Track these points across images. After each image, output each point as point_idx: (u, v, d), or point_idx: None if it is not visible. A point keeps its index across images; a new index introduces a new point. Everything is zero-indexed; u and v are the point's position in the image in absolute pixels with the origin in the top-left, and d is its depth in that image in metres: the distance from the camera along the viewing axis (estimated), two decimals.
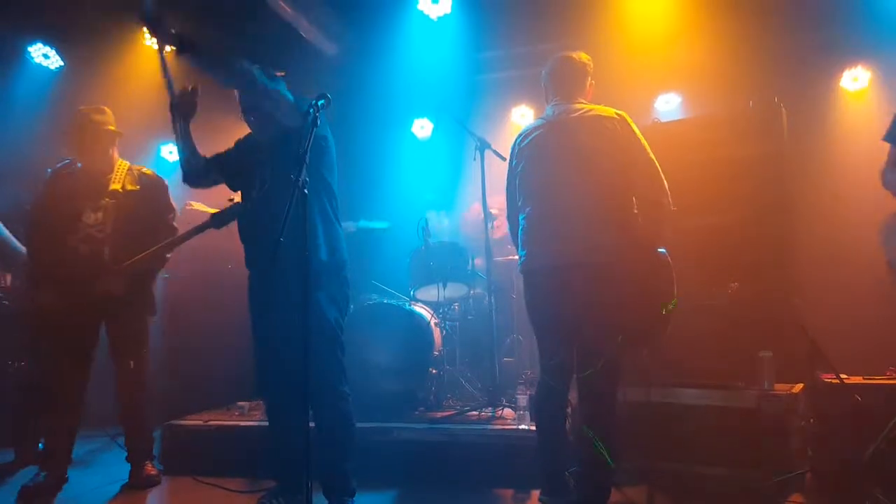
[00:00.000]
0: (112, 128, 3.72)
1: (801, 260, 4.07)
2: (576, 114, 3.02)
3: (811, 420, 3.35)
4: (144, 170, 3.78)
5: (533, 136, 3.09)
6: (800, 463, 3.23)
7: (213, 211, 5.52)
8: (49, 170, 3.70)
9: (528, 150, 3.08)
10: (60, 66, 5.68)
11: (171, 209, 3.80)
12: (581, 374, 2.83)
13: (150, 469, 3.69)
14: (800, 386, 3.43)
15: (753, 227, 3.61)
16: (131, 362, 3.63)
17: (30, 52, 5.56)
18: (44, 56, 5.61)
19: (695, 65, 5.29)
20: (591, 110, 3.00)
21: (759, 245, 3.59)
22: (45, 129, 5.21)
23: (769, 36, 5.10)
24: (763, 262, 3.58)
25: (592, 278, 2.79)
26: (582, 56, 3.20)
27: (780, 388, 3.36)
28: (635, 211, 2.92)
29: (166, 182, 3.83)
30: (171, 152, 6.81)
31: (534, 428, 3.57)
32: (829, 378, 3.31)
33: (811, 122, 4.97)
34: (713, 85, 5.18)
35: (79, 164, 3.68)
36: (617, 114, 2.96)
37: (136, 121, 6.04)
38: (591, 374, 2.76)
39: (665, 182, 2.88)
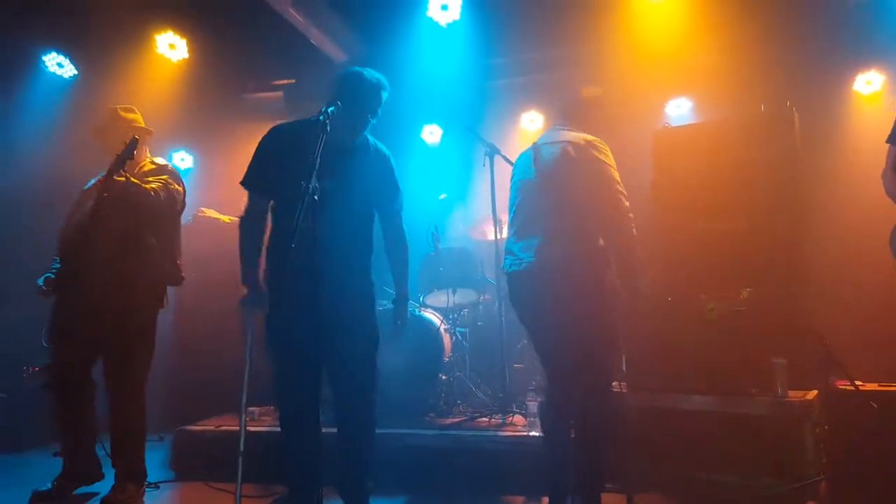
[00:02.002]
0: (140, 124, 3.70)
1: (815, 265, 4.03)
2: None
3: (826, 427, 3.31)
4: (159, 161, 3.69)
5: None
6: (814, 471, 3.19)
7: (225, 218, 5.60)
8: (92, 181, 3.68)
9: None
10: (74, 75, 5.75)
11: (170, 182, 3.56)
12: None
13: (130, 491, 3.38)
14: (814, 393, 3.39)
15: (765, 231, 3.59)
16: (121, 393, 3.45)
17: (44, 62, 5.63)
18: (58, 65, 5.67)
19: (706, 69, 5.27)
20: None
21: (772, 250, 3.56)
22: (59, 137, 5.28)
23: (781, 39, 5.06)
24: (776, 266, 3.56)
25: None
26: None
27: (794, 394, 3.32)
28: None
29: (171, 168, 3.67)
30: (182, 159, 6.87)
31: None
32: (843, 385, 3.27)
33: (824, 126, 4.92)
34: (724, 89, 5.15)
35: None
36: (585, 140, 2.99)
37: (149, 128, 6.12)
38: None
39: (625, 204, 2.89)
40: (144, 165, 3.64)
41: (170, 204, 3.54)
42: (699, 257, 3.34)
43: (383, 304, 3.56)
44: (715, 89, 5.30)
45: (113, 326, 3.40)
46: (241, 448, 2.61)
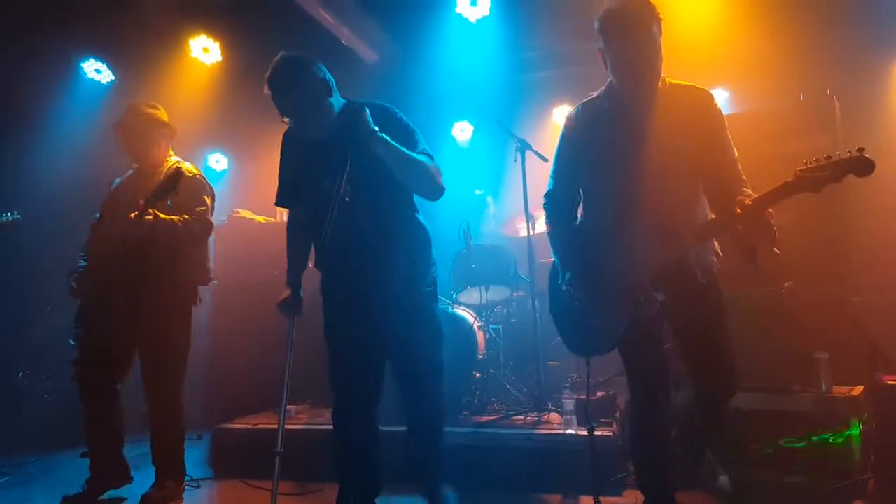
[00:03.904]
0: (163, 119, 3.62)
1: (859, 257, 3.91)
2: None
3: (872, 424, 3.21)
4: (184, 166, 3.54)
5: None
6: (861, 469, 3.10)
7: (260, 219, 5.67)
8: (117, 179, 3.72)
9: None
10: (112, 81, 5.90)
11: (197, 203, 3.51)
12: None
13: (170, 488, 3.45)
14: (860, 388, 3.29)
15: (807, 224, 3.49)
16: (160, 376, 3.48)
17: (83, 68, 5.79)
18: (96, 71, 5.84)
19: (742, 58, 5.15)
20: None
21: (814, 243, 3.46)
22: (98, 142, 5.41)
23: (820, 25, 4.92)
24: (818, 260, 3.47)
25: None
26: None
27: (839, 390, 3.23)
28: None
29: (199, 178, 3.59)
30: (217, 161, 6.99)
31: (581, 432, 3.54)
32: (891, 380, 3.17)
33: (866, 115, 4.75)
34: (762, 79, 5.04)
35: (135, 166, 3.66)
36: None
37: (184, 131, 6.20)
38: None
39: None
40: (166, 167, 3.55)
41: (204, 233, 3.53)
42: (738, 251, 3.24)
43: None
44: (752, 79, 5.18)
45: (151, 325, 3.42)
46: (280, 447, 2.64)
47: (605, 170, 2.51)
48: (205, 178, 3.64)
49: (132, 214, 3.21)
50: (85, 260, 3.57)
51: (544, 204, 2.73)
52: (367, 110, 2.50)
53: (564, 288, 2.63)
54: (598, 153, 2.52)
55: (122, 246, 3.34)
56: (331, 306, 2.77)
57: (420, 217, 2.84)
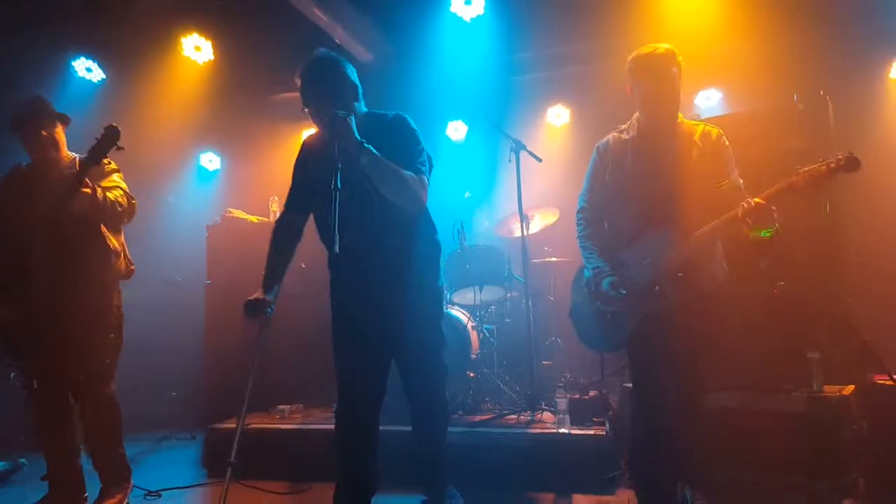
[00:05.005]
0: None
1: (851, 257, 3.93)
2: None
3: (863, 423, 3.23)
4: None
5: None
6: (851, 468, 3.12)
7: (252, 218, 5.66)
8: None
9: None
10: (102, 80, 5.86)
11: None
12: None
13: (112, 494, 3.26)
14: (851, 388, 3.30)
15: (799, 223, 3.50)
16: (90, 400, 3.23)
17: (74, 67, 5.75)
18: (87, 70, 5.80)
19: (736, 59, 5.16)
20: None
21: (807, 243, 3.47)
22: (89, 140, 5.39)
23: (813, 27, 4.93)
24: (810, 259, 3.47)
25: None
26: None
27: (830, 390, 3.24)
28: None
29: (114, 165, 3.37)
30: (210, 160, 6.96)
31: (575, 431, 3.55)
32: (882, 379, 3.19)
33: (859, 116, 4.79)
34: (755, 79, 5.05)
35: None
36: None
37: (176, 130, 6.22)
38: None
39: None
40: (65, 158, 3.33)
41: (130, 210, 3.31)
42: (730, 251, 3.26)
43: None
44: (745, 80, 5.20)
45: (80, 329, 3.18)
46: (233, 458, 2.67)
47: (629, 191, 2.85)
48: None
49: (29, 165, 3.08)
50: None
51: (577, 218, 3.05)
52: (353, 120, 2.52)
53: (587, 279, 2.92)
54: (624, 177, 2.87)
55: (46, 239, 3.11)
56: (339, 307, 2.77)
57: (431, 224, 2.87)
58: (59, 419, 3.25)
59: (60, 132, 3.34)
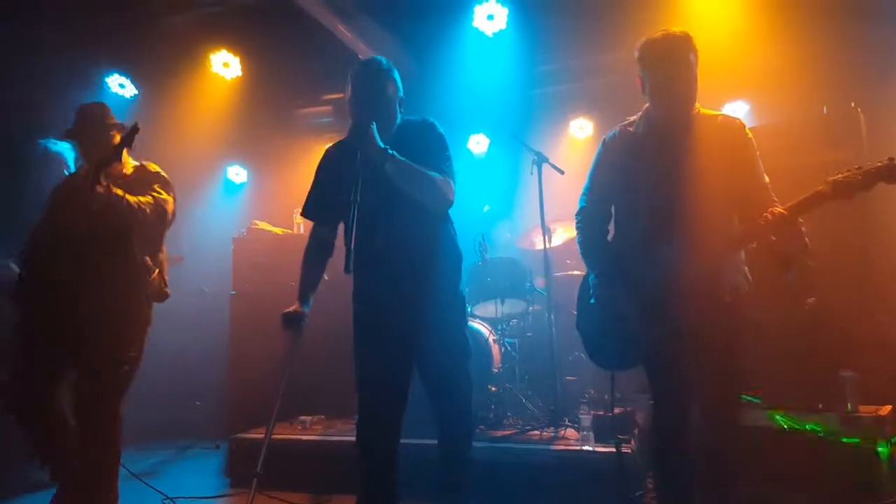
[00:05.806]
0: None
1: (885, 274, 3.82)
2: None
3: None
4: (148, 165, 3.34)
5: None
6: (888, 490, 3.01)
7: (277, 230, 5.72)
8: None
9: None
10: (135, 95, 6.00)
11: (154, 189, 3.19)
12: None
13: None
14: (887, 408, 3.20)
15: (831, 239, 3.42)
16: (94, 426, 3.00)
17: (107, 83, 5.91)
18: (120, 86, 5.95)
19: (763, 70, 5.08)
20: None
21: (838, 258, 3.39)
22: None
23: (843, 37, 4.84)
24: (843, 276, 3.39)
25: None
26: None
27: (865, 410, 3.15)
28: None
29: (161, 174, 3.31)
30: (237, 174, 7.07)
31: (599, 449, 3.49)
32: None
33: (892, 128, 4.68)
34: (783, 91, 4.95)
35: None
36: None
37: (205, 144, 6.32)
38: None
39: None
40: (124, 167, 3.27)
41: (159, 220, 3.16)
42: (759, 267, 3.19)
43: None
44: (773, 91, 5.10)
45: (96, 348, 3.02)
46: (259, 469, 2.69)
47: (640, 191, 2.58)
48: (167, 178, 3.31)
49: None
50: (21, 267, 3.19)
51: (577, 221, 2.79)
52: (375, 127, 2.52)
53: (592, 285, 2.70)
54: (634, 176, 2.60)
55: (64, 242, 3.04)
56: (362, 314, 2.76)
57: (453, 232, 2.84)
58: (49, 432, 3.03)
59: (118, 139, 3.17)
